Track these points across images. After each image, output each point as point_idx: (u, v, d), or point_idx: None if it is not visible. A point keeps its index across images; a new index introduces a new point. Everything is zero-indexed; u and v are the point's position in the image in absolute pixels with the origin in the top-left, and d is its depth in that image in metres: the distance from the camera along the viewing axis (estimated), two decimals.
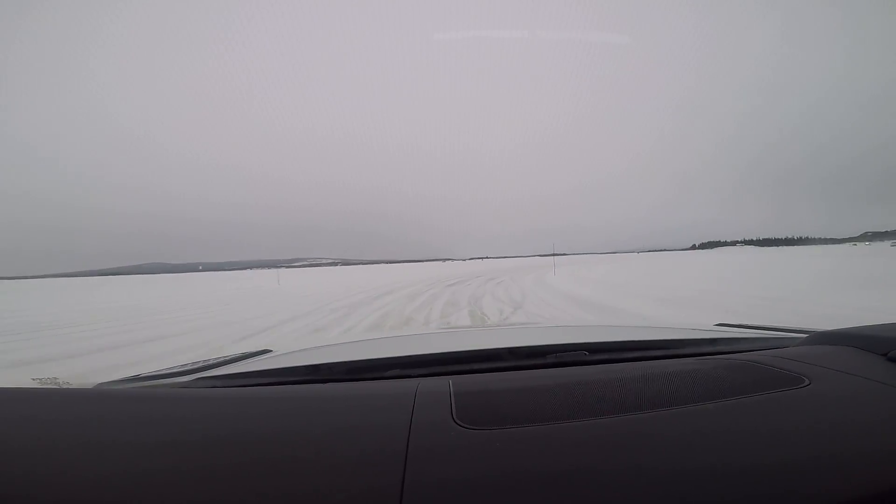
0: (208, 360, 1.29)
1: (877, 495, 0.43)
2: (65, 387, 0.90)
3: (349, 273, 53.14)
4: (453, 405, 0.66)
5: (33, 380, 0.93)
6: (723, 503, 0.43)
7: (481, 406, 0.66)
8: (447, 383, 0.77)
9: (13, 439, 0.57)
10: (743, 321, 1.69)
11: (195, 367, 1.18)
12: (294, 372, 1.07)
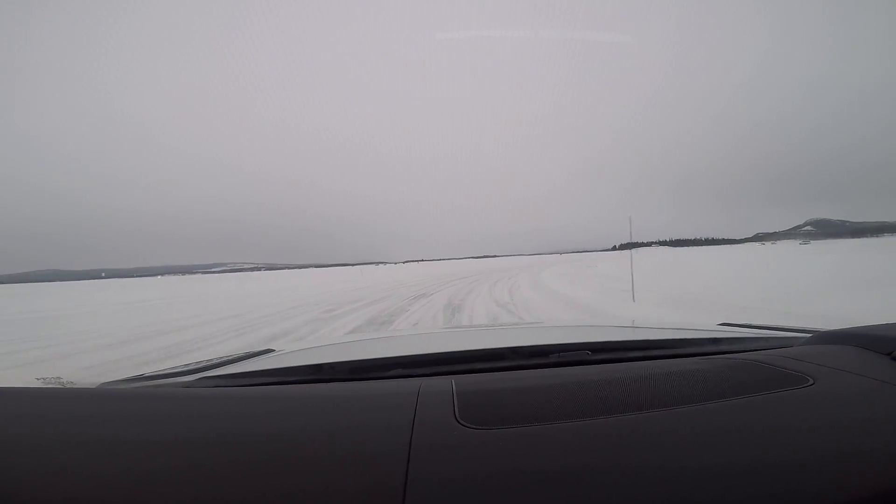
0: (211, 359, 1.30)
1: (881, 494, 0.43)
2: (68, 386, 0.91)
3: (243, 281, 41.76)
4: (456, 405, 0.66)
5: (37, 379, 0.96)
6: (727, 502, 0.43)
7: (484, 405, 0.66)
8: (450, 383, 0.78)
9: (18, 439, 0.57)
10: (747, 321, 1.69)
11: (198, 366, 1.18)
12: (297, 371, 1.08)
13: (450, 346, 1.39)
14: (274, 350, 1.52)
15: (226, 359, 1.29)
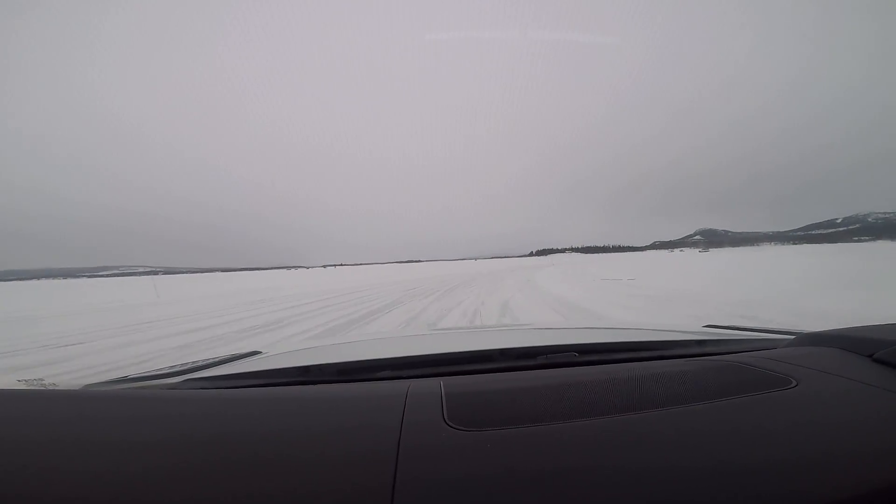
0: (197, 361, 1.29)
1: (862, 495, 0.44)
2: (51, 388, 0.90)
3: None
4: (444, 406, 0.66)
5: (19, 381, 0.95)
6: (711, 503, 0.43)
7: (472, 407, 0.67)
8: (438, 384, 0.78)
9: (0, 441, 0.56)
10: (731, 323, 1.71)
11: (184, 368, 1.17)
12: (284, 373, 1.07)
13: (438, 347, 1.39)
14: (261, 352, 1.51)
15: (212, 361, 1.29)
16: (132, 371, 1.26)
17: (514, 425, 0.59)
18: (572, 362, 1.02)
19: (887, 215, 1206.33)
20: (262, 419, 0.64)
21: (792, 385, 0.71)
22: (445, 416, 0.62)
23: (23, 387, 0.88)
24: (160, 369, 1.20)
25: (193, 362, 1.26)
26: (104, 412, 0.66)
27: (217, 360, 1.31)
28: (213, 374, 1.09)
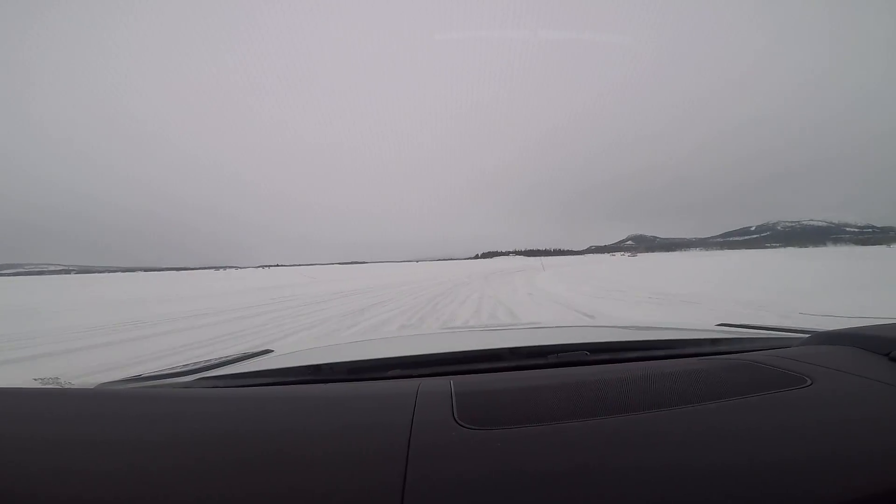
0: (210, 360, 1.30)
1: (879, 495, 0.43)
2: (66, 387, 0.91)
3: None
4: (454, 405, 0.66)
5: (35, 380, 0.95)
6: (725, 503, 0.43)
7: (482, 406, 0.67)
8: (448, 383, 0.78)
9: (15, 438, 0.57)
10: (744, 322, 1.69)
11: (196, 367, 1.18)
12: (295, 372, 1.07)
13: (448, 346, 1.38)
14: (273, 350, 1.52)
15: (224, 359, 1.30)
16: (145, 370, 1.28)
17: (525, 424, 0.59)
18: (583, 361, 1.02)
19: (793, 224, 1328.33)
20: (274, 418, 0.65)
21: (807, 384, 0.71)
22: (455, 415, 0.62)
23: (39, 385, 0.89)
24: (173, 368, 1.21)
25: (206, 361, 1.27)
26: (118, 411, 0.67)
27: (229, 358, 1.32)
28: (226, 372, 1.10)
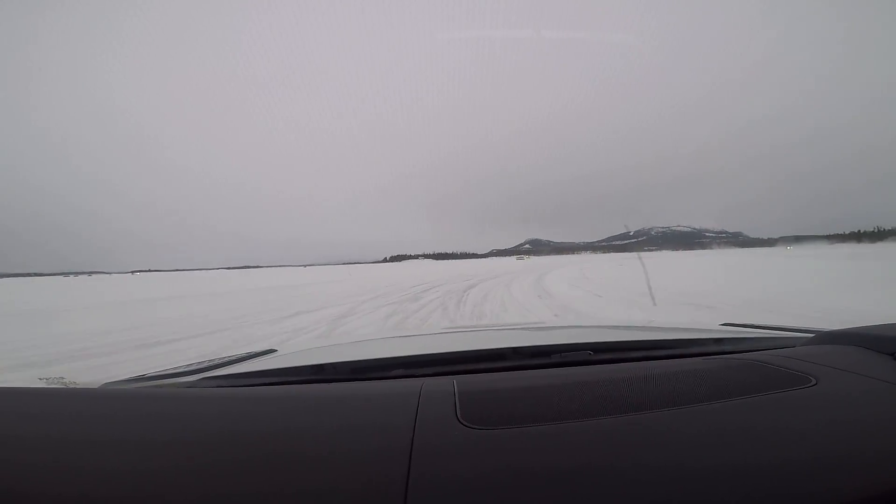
0: (213, 359, 1.31)
1: (883, 495, 0.43)
2: (71, 386, 0.91)
3: None
4: (458, 404, 0.66)
5: (40, 379, 0.94)
6: (730, 503, 0.43)
7: (486, 405, 0.67)
8: (451, 383, 0.78)
9: (20, 438, 0.57)
10: (747, 321, 1.71)
11: (200, 366, 1.18)
12: (299, 372, 1.08)
13: (451, 346, 1.39)
14: (276, 350, 1.54)
15: (228, 359, 1.31)
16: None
17: (528, 424, 0.59)
18: (587, 361, 1.01)
19: (665, 229, 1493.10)
20: (278, 417, 0.65)
21: (812, 383, 0.70)
22: (458, 415, 0.62)
23: (43, 385, 0.89)
24: (177, 367, 1.21)
25: (210, 360, 1.28)
26: (122, 410, 0.68)
27: (233, 358, 1.33)
28: (229, 372, 1.11)
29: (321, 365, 1.08)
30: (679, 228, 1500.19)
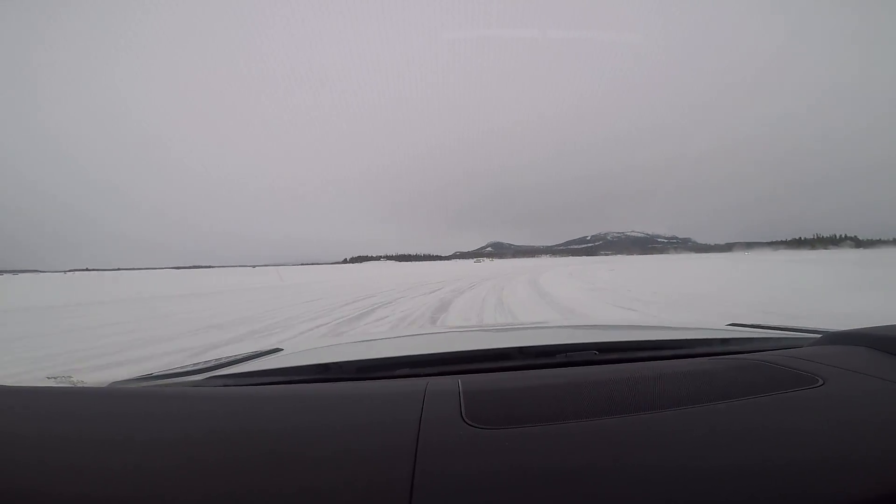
0: (220, 358, 1.32)
1: (891, 495, 0.43)
2: (79, 385, 0.90)
3: None
4: (462, 404, 0.66)
5: (48, 378, 0.93)
6: (737, 503, 0.43)
7: (490, 405, 0.67)
8: (456, 382, 0.78)
9: (29, 436, 0.57)
10: (754, 321, 1.70)
11: (207, 365, 1.19)
12: (304, 371, 1.08)
13: (456, 345, 1.40)
14: (282, 349, 1.54)
15: (234, 358, 1.31)
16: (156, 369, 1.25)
17: (533, 423, 0.59)
18: (592, 360, 1.01)
19: (619, 235, 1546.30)
20: (284, 416, 0.65)
21: (819, 384, 0.70)
22: (463, 414, 0.62)
23: (52, 384, 0.88)
24: (184, 367, 1.22)
25: (217, 359, 1.29)
26: (130, 409, 0.68)
27: (240, 357, 1.33)
28: (235, 371, 1.11)
29: (326, 364, 1.08)
30: (633, 234, 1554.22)
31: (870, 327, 0.98)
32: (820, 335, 1.11)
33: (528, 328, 2.28)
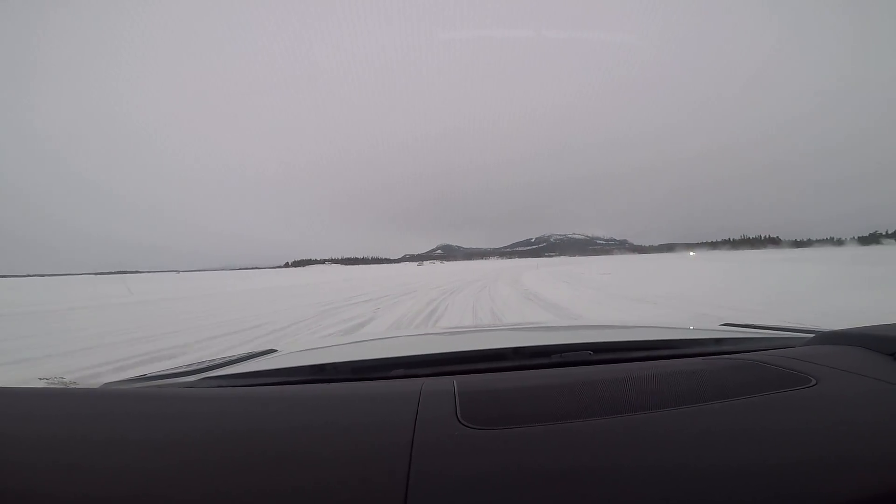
0: (214, 359, 1.31)
1: (884, 495, 0.43)
2: (71, 386, 0.90)
3: None
4: (458, 404, 0.66)
5: (40, 379, 0.94)
6: (729, 503, 0.43)
7: (486, 405, 0.67)
8: (452, 383, 0.78)
9: (21, 438, 0.57)
10: (748, 321, 1.70)
11: (201, 366, 1.18)
12: (299, 372, 1.08)
13: (452, 346, 1.40)
14: (277, 350, 1.54)
15: (228, 359, 1.31)
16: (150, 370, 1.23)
17: (528, 424, 0.59)
18: (587, 361, 1.02)
19: (561, 237, 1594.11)
20: (278, 417, 0.65)
21: (812, 384, 0.70)
22: (459, 415, 0.62)
23: (44, 385, 0.89)
24: (178, 368, 1.21)
25: (210, 360, 1.28)
26: (122, 410, 0.68)
27: (234, 358, 1.33)
28: (230, 372, 1.11)
29: (322, 365, 1.08)
30: (574, 236, 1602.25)
31: (863, 327, 0.99)
32: (813, 335, 1.12)
33: (523, 328, 2.33)
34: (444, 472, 0.48)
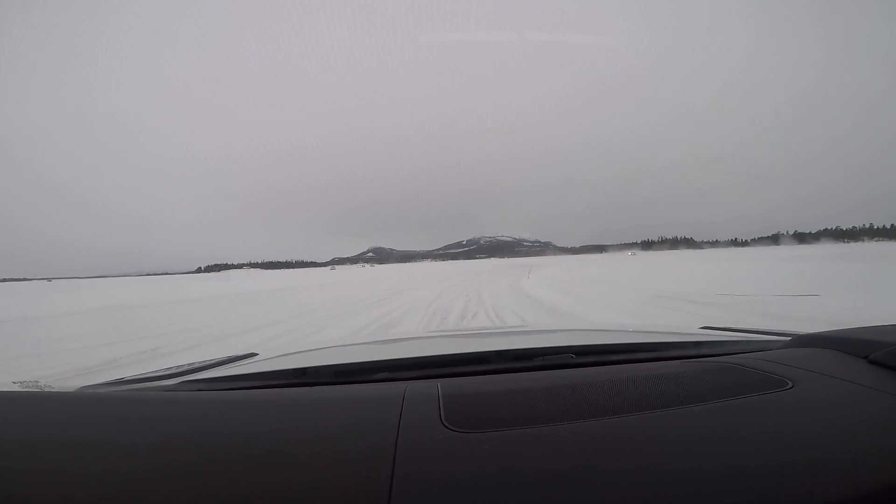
0: (193, 363, 1.29)
1: (859, 497, 0.44)
2: (46, 390, 0.89)
3: None
4: (441, 407, 0.66)
5: (14, 383, 0.94)
6: None
7: (469, 408, 0.67)
8: (435, 386, 0.78)
9: None
10: (726, 325, 1.73)
11: (180, 370, 1.17)
12: (281, 375, 1.07)
13: (435, 349, 1.40)
14: (257, 354, 1.51)
15: (208, 363, 1.29)
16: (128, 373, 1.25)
17: (511, 427, 0.59)
18: (568, 364, 1.03)
19: (491, 239, 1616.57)
20: (259, 421, 0.64)
21: (788, 386, 0.71)
22: (443, 418, 0.62)
23: (18, 388, 0.88)
24: (156, 371, 1.20)
25: (189, 364, 1.27)
26: (99, 414, 0.66)
27: (213, 361, 1.31)
28: (210, 375, 1.10)
29: (304, 368, 1.07)
30: (503, 238, 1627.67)
31: (837, 330, 1.01)
32: (789, 338, 1.13)
33: (506, 332, 2.34)
34: (428, 474, 0.48)
